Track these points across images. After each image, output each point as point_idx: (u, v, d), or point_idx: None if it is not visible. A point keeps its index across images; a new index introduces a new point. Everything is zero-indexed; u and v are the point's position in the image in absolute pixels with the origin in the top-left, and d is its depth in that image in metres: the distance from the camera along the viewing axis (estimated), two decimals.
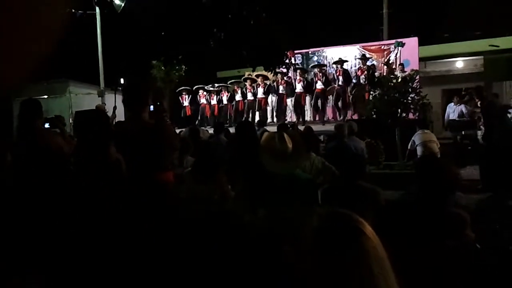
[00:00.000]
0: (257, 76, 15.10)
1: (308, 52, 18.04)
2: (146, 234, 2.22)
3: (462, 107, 13.34)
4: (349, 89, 14.18)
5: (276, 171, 3.07)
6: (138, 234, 2.25)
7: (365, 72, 13.89)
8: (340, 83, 13.94)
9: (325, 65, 16.00)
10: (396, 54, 16.33)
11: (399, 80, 10.86)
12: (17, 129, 3.30)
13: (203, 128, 11.03)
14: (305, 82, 14.36)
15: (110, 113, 12.19)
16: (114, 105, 12.62)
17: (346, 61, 15.32)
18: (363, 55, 15.37)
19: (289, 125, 9.40)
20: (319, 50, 17.97)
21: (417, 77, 11.18)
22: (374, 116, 10.93)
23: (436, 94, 17.92)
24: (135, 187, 3.11)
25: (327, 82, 14.18)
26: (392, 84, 10.55)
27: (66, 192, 2.90)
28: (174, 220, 2.36)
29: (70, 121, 13.44)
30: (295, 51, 16.91)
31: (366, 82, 13.66)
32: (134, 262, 2.03)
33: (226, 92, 15.81)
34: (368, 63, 15.04)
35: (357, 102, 13.88)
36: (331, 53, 17.40)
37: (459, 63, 20.29)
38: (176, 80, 17.27)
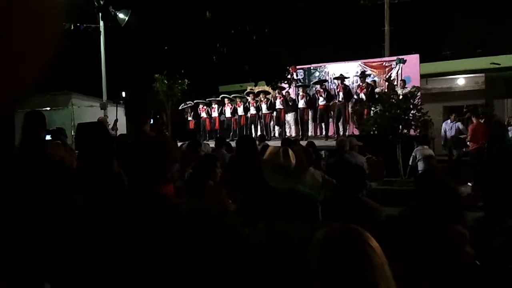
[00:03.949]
0: (258, 92, 15.18)
1: (310, 67, 18.15)
2: (146, 245, 2.22)
3: (459, 124, 13.32)
4: (350, 104, 14.23)
5: (278, 186, 3.06)
6: (138, 246, 2.25)
7: (365, 89, 13.96)
8: (340, 99, 13.99)
9: (326, 81, 16.07)
10: (398, 71, 16.41)
11: (400, 96, 10.91)
12: (21, 140, 3.31)
13: (205, 142, 11.04)
14: (307, 98, 14.43)
15: (111, 126, 12.26)
16: (116, 118, 12.69)
17: (347, 77, 15.35)
18: (362, 72, 15.42)
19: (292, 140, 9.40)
20: (320, 66, 18.08)
21: (418, 93, 11.26)
22: (376, 132, 10.96)
23: (437, 111, 17.96)
24: (136, 199, 3.11)
25: (329, 97, 14.23)
26: (393, 100, 10.60)
27: (68, 203, 2.90)
28: (174, 232, 2.36)
29: (72, 133, 13.49)
30: (297, 67, 17.02)
31: (366, 99, 13.72)
32: (134, 274, 2.03)
33: (230, 104, 15.87)
34: (368, 79, 15.10)
35: (358, 118, 13.93)
36: (333, 69, 17.50)
37: (461, 81, 20.39)
38: (179, 93, 17.38)
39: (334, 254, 1.30)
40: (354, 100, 14.16)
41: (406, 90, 12.59)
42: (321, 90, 14.24)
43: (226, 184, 4.31)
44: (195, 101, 16.81)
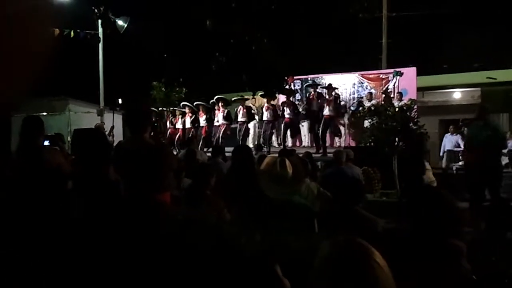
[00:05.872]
0: (217, 100, 13.75)
1: (307, 78, 18.16)
2: (142, 252, 2.20)
3: (458, 138, 13.34)
4: (347, 116, 14.19)
5: (274, 196, 3.06)
6: (134, 252, 2.24)
7: (332, 102, 13.03)
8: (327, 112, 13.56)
9: (295, 92, 15.87)
10: (395, 83, 16.46)
11: (397, 109, 10.93)
12: (18, 145, 3.31)
13: (201, 151, 11.01)
14: (273, 111, 13.23)
15: (108, 132, 12.23)
16: (112, 124, 12.68)
17: (319, 84, 14.79)
18: (330, 84, 14.08)
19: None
20: (318, 77, 18.09)
21: (415, 106, 11.28)
22: (372, 144, 10.97)
23: (433, 124, 18.00)
24: (132, 205, 3.10)
25: (296, 112, 13.41)
26: (389, 113, 10.62)
27: (63, 208, 2.89)
28: (169, 242, 2.35)
29: (69, 139, 13.45)
30: (295, 77, 17.02)
31: (334, 113, 13.11)
32: (129, 282, 2.01)
33: (190, 114, 14.67)
34: (339, 91, 14.85)
35: (354, 128, 13.90)
36: (330, 80, 17.45)
37: (457, 94, 20.48)
38: (176, 101, 17.31)
39: (340, 269, 1.30)
40: (350, 112, 14.09)
41: (402, 103, 12.60)
42: (289, 102, 13.29)
43: (222, 193, 4.31)
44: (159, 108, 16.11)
